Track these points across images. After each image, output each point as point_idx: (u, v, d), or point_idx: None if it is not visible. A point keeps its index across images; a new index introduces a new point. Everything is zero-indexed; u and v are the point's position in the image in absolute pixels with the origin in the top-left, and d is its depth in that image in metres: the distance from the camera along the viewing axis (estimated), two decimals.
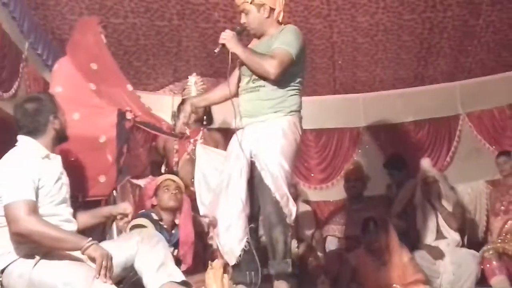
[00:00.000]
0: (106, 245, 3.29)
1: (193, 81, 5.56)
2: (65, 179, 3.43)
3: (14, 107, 3.47)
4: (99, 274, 2.98)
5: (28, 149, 3.32)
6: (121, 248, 3.30)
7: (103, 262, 3.00)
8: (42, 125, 3.37)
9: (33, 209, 3.10)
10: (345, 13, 5.86)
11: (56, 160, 3.41)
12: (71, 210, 3.42)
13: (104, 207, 3.83)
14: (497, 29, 6.13)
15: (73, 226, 3.35)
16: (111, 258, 3.06)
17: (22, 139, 3.37)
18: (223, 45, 3.89)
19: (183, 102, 5.56)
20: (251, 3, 3.98)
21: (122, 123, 4.23)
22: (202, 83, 5.56)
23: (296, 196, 5.81)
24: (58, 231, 3.11)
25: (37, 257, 3.12)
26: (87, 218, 3.57)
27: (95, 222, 3.62)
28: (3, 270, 3.17)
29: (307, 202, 6.66)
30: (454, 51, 6.52)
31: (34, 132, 3.36)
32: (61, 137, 3.49)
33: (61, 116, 3.48)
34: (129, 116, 4.26)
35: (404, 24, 6.03)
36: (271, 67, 3.80)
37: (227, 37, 3.89)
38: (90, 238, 3.11)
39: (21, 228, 3.04)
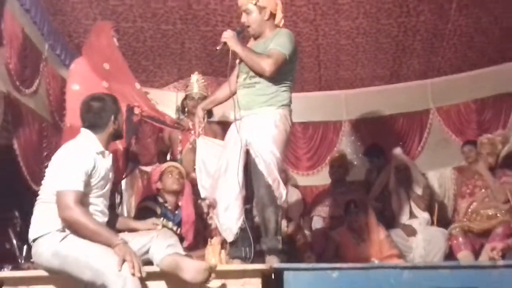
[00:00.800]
0: (126, 235, 3.33)
1: (195, 79, 5.59)
2: (111, 176, 3.46)
3: (82, 104, 3.47)
4: (120, 267, 2.98)
5: (87, 143, 3.34)
6: (138, 238, 3.33)
7: (128, 258, 3.01)
8: (104, 123, 3.40)
9: (80, 199, 3.15)
10: (329, 18, 5.83)
11: (108, 158, 3.43)
12: (107, 203, 3.43)
13: (134, 221, 3.80)
14: (463, 32, 6.11)
15: (104, 218, 3.36)
16: (135, 254, 3.07)
17: (84, 131, 3.40)
18: (225, 43, 3.90)
19: (186, 97, 5.59)
20: (255, 4, 3.97)
21: (130, 117, 4.24)
22: (203, 80, 5.61)
23: (286, 181, 5.80)
24: (96, 225, 3.13)
25: (66, 232, 3.14)
26: (124, 224, 3.60)
27: (120, 229, 3.60)
28: (34, 240, 3.20)
29: (296, 186, 6.66)
30: (425, 52, 6.50)
31: (95, 127, 3.38)
32: (116, 135, 3.53)
33: (121, 118, 3.51)
34: (136, 111, 4.29)
35: (382, 28, 6.01)
36: (267, 65, 3.80)
37: (228, 36, 3.89)
38: (121, 237, 3.13)
39: (67, 215, 3.10)
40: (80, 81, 4.21)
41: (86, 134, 3.38)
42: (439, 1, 5.62)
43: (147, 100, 4.45)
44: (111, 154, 3.48)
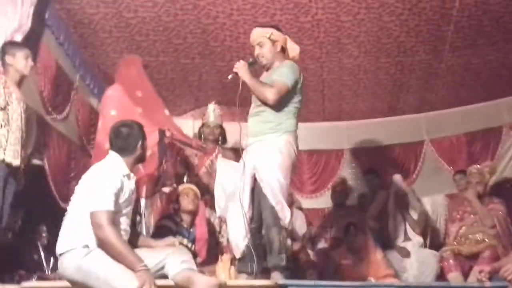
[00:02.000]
0: (146, 251, 3.29)
1: (212, 108, 5.57)
2: (133, 197, 3.41)
3: (111, 129, 3.45)
4: None
5: (115, 165, 3.31)
6: (156, 254, 3.29)
7: (147, 286, 2.96)
8: (132, 148, 3.36)
9: (112, 219, 3.12)
10: (333, 56, 5.86)
11: (132, 180, 3.39)
12: (129, 222, 3.38)
13: (153, 240, 3.74)
14: (455, 71, 6.12)
15: (126, 236, 3.31)
16: (154, 283, 3.02)
17: (112, 154, 3.37)
18: (236, 73, 3.90)
19: (203, 125, 5.56)
20: (268, 38, 3.99)
21: (162, 140, 4.26)
22: (218, 110, 5.57)
23: (291, 203, 5.78)
24: (124, 248, 3.08)
25: (90, 249, 3.12)
26: (146, 244, 3.53)
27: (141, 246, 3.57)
28: (61, 254, 3.19)
29: (300, 208, 6.62)
30: (420, 89, 6.50)
31: (123, 151, 3.35)
32: (141, 159, 3.49)
33: (145, 143, 3.48)
34: (167, 134, 4.30)
35: (381, 65, 6.03)
36: (270, 94, 3.80)
37: (240, 67, 3.90)
38: (144, 263, 3.07)
39: (101, 234, 3.06)
40: (117, 107, 4.23)
41: (114, 157, 3.36)
42: (433, 43, 5.64)
43: (175, 125, 4.48)
44: (135, 177, 3.46)
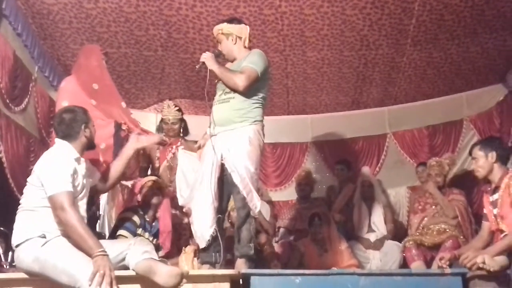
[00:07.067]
0: (106, 242, 3.26)
1: (167, 105, 5.48)
2: (86, 182, 3.39)
3: (54, 116, 3.49)
4: (91, 280, 2.89)
5: (64, 150, 3.30)
6: (117, 245, 3.29)
7: (101, 271, 2.92)
8: (76, 132, 3.37)
9: (73, 200, 3.11)
10: (297, 49, 5.87)
11: (83, 165, 3.38)
12: (85, 208, 3.37)
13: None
14: (417, 65, 6.19)
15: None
16: (111, 268, 2.98)
17: (58, 141, 3.37)
18: (203, 62, 3.91)
19: (162, 120, 5.48)
20: (222, 33, 4.02)
21: (118, 133, 4.20)
22: (174, 105, 5.46)
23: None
24: (85, 232, 3.06)
25: (47, 239, 3.07)
26: (118, 163, 3.71)
27: (124, 162, 3.71)
28: (17, 246, 3.13)
29: (268, 202, 6.59)
30: (383, 82, 6.55)
31: (68, 137, 3.35)
32: (89, 144, 3.48)
33: (91, 127, 3.47)
34: (123, 127, 4.24)
35: (344, 59, 6.05)
36: (240, 81, 3.81)
37: (207, 57, 3.93)
38: (103, 249, 3.04)
39: (63, 216, 3.04)
40: (70, 98, 4.12)
41: (61, 144, 3.35)
42: (396, 37, 5.69)
43: (132, 118, 4.41)
44: (86, 161, 3.43)
